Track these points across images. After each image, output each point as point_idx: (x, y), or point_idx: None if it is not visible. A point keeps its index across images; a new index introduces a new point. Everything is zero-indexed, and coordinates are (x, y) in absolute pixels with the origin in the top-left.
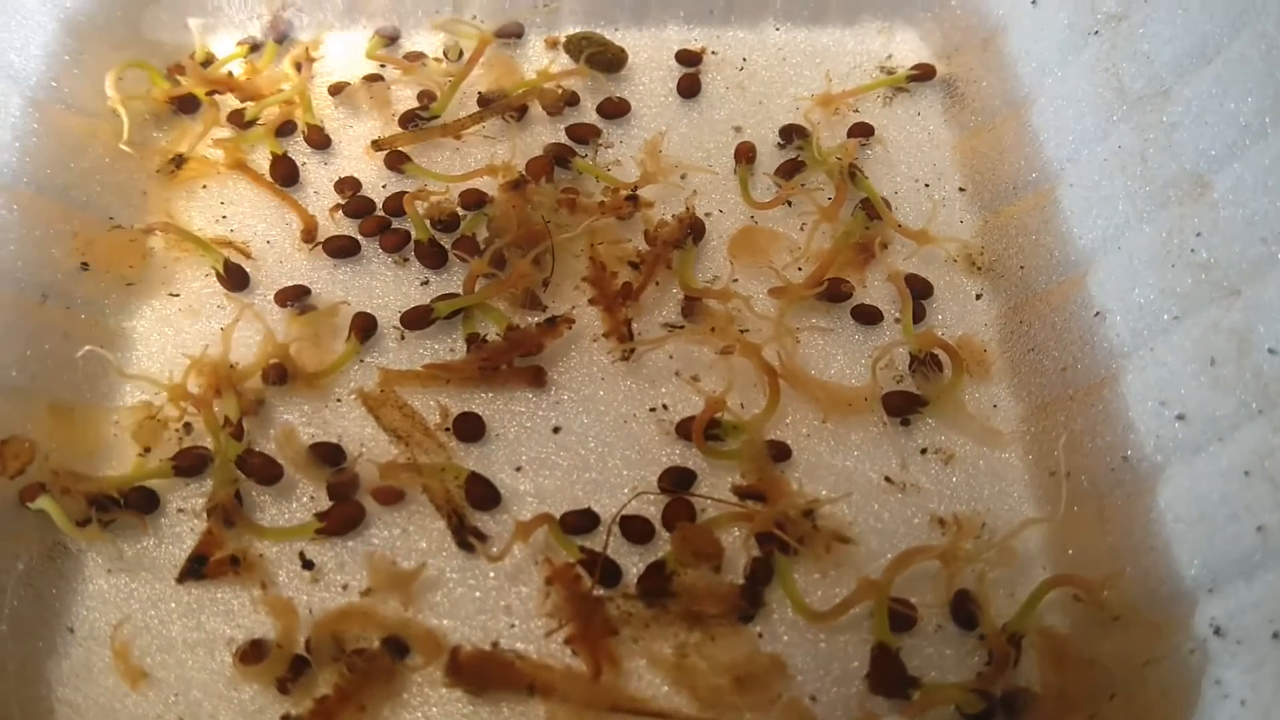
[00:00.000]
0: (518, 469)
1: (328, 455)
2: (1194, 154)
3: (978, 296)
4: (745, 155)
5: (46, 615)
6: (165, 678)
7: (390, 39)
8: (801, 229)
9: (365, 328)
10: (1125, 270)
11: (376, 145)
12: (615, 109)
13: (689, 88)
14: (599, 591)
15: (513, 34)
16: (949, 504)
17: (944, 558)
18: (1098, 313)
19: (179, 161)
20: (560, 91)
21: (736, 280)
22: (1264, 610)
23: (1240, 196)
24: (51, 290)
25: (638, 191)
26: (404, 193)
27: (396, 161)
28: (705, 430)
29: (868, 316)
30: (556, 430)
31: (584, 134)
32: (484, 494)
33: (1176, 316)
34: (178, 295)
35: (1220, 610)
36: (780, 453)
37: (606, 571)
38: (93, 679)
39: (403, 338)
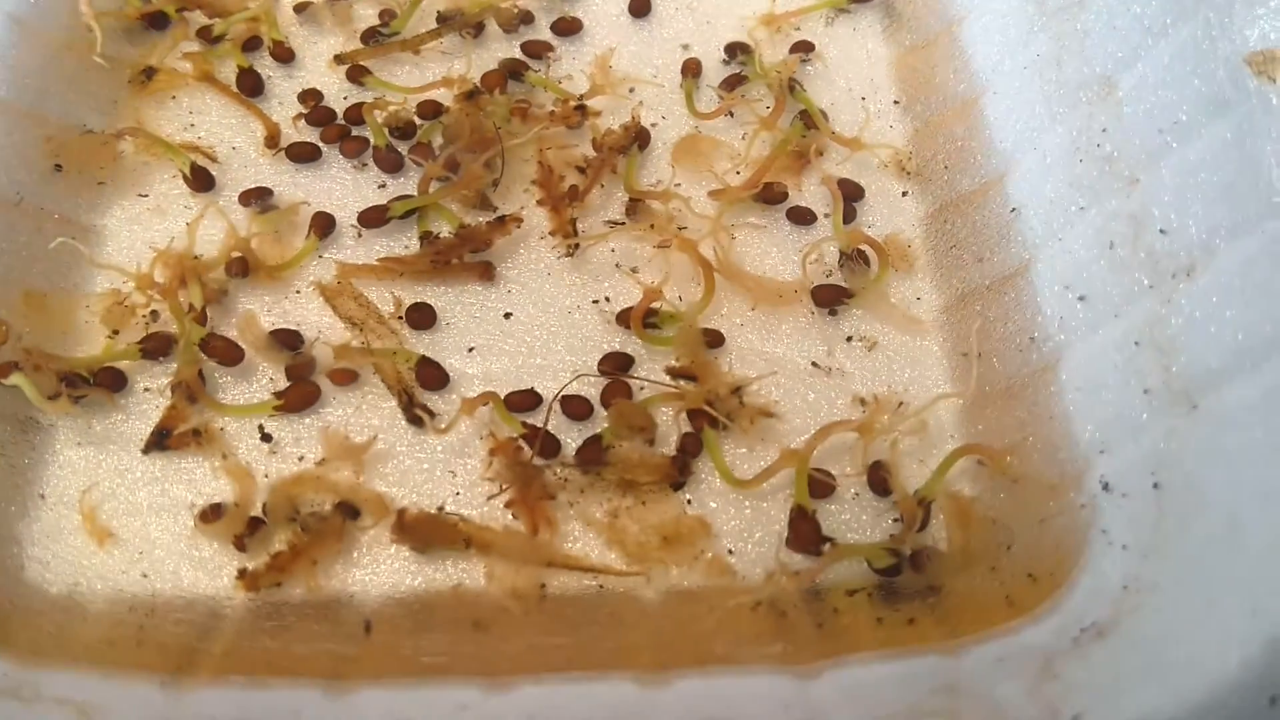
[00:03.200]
0: (467, 353)
1: (287, 340)
2: (1103, 57)
3: (904, 195)
4: (691, 70)
5: (19, 483)
6: (130, 538)
7: None
8: (743, 139)
9: (324, 225)
10: (1039, 168)
11: (339, 59)
12: (568, 27)
13: (640, 7)
14: (539, 461)
15: None
16: (870, 386)
17: (861, 430)
18: (1014, 209)
19: (149, 73)
20: (515, 10)
21: (679, 185)
22: (1148, 464)
23: (1142, 93)
24: (26, 189)
25: (586, 102)
26: (363, 103)
27: (357, 75)
28: (644, 319)
29: (802, 217)
30: (504, 318)
31: (537, 50)
32: (434, 376)
33: (1082, 207)
34: (146, 196)
35: (1109, 468)
36: (714, 340)
37: (546, 444)
38: (62, 539)
39: (360, 235)
